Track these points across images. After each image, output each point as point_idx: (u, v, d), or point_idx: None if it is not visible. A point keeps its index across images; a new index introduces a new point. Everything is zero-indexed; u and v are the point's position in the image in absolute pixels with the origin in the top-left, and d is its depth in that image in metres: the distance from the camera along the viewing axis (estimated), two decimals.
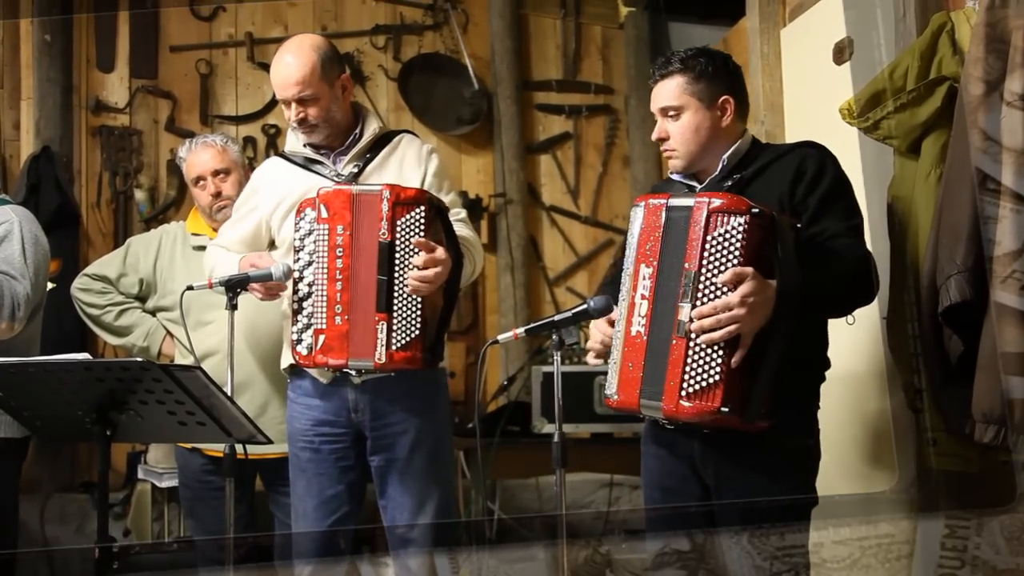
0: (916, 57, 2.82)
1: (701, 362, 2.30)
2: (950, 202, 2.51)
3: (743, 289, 2.26)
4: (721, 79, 2.56)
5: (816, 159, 2.52)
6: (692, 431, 2.48)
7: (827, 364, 2.55)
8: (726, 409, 2.28)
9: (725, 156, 2.57)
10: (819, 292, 2.38)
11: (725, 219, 2.31)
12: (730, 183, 2.53)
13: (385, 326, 2.77)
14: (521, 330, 2.68)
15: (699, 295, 2.31)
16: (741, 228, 2.29)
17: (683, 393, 2.31)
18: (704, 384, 2.29)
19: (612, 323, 2.51)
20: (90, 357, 2.51)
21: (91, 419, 2.53)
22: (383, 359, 2.78)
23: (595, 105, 5.38)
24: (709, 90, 2.54)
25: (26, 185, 4.63)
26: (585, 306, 2.56)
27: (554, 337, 2.58)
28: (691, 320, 2.30)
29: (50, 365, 2.49)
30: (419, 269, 2.76)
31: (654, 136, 2.61)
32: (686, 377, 2.31)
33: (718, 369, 2.29)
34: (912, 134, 2.82)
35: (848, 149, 3.25)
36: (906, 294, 2.82)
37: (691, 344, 2.31)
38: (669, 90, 2.56)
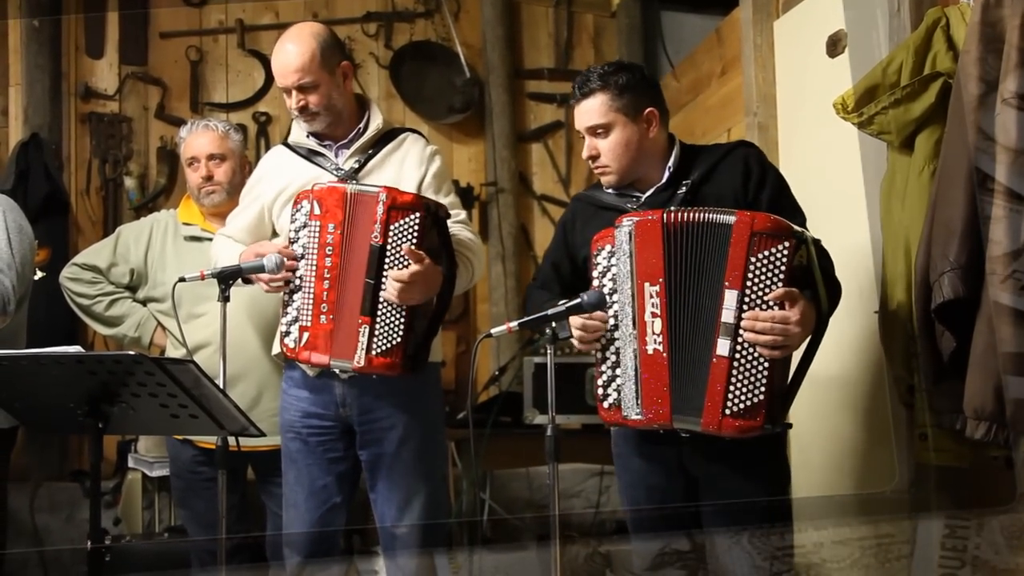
0: (910, 52, 2.82)
1: (746, 382, 2.36)
2: (944, 198, 2.51)
3: (798, 309, 2.33)
4: (643, 91, 2.62)
5: (757, 158, 2.63)
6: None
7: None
8: (768, 426, 2.36)
9: (670, 163, 2.63)
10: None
11: (769, 242, 2.35)
12: (683, 189, 2.58)
13: (367, 330, 2.76)
14: (514, 323, 2.65)
15: (743, 315, 2.36)
16: (784, 252, 2.34)
17: (727, 412, 2.37)
18: (749, 403, 2.35)
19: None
20: (82, 350, 2.50)
21: (83, 411, 2.52)
22: (362, 362, 2.77)
23: None
24: (633, 104, 2.59)
25: (15, 172, 4.61)
26: (579, 300, 2.54)
27: (547, 331, 2.56)
28: (736, 326, 2.35)
29: (42, 358, 2.47)
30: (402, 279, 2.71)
31: (584, 155, 2.65)
32: (730, 396, 2.37)
33: (763, 390, 2.35)
34: (906, 129, 2.82)
35: (843, 141, 3.26)
36: (897, 290, 2.83)
37: (735, 364, 2.36)
38: (594, 108, 2.60)
